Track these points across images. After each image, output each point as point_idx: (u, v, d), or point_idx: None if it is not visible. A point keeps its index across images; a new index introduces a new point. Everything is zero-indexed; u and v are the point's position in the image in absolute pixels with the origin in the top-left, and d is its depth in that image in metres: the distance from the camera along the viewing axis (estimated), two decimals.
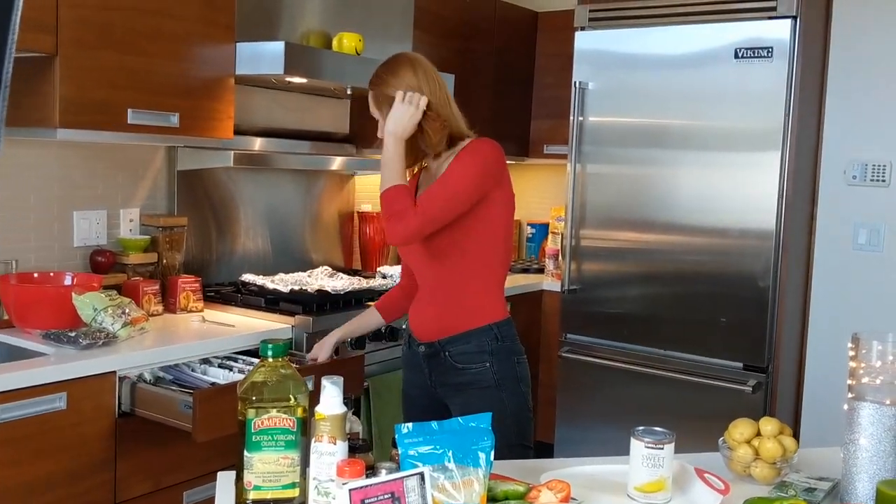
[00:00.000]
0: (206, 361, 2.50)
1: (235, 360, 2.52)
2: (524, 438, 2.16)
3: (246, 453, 1.37)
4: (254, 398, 1.37)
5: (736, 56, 3.33)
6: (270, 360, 1.41)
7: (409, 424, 1.41)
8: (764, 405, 3.38)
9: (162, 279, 2.91)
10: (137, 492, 2.33)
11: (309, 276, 3.20)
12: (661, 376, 3.54)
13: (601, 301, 3.71)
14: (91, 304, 2.41)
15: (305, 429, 1.41)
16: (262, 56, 2.77)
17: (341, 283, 3.09)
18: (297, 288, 2.88)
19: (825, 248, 3.62)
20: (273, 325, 2.74)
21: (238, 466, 1.39)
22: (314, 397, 1.40)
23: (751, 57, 3.30)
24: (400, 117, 2.06)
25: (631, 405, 3.64)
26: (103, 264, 2.81)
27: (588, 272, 3.75)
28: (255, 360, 2.51)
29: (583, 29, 3.72)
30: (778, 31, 3.25)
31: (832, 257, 3.61)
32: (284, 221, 3.52)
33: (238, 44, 2.81)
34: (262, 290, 2.94)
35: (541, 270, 4.25)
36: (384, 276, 3.33)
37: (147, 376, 2.33)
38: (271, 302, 2.88)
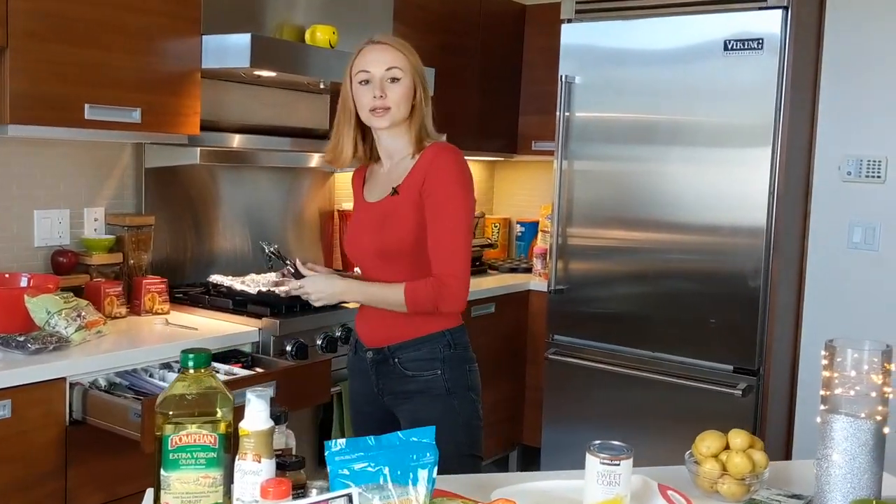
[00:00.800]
0: (166, 366, 2.40)
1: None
2: (475, 448, 2.07)
3: (163, 472, 1.27)
4: (171, 413, 1.27)
5: (725, 48, 3.22)
6: (192, 371, 1.31)
7: (342, 440, 1.31)
8: (755, 409, 3.27)
9: (128, 280, 2.82)
10: (90, 502, 2.23)
11: (282, 276, 3.10)
12: (650, 379, 3.43)
13: (588, 301, 3.61)
14: (44, 307, 2.32)
15: (230, 445, 1.31)
16: (227, 49, 2.67)
17: None
18: (264, 289, 2.78)
19: (819, 246, 3.51)
20: (238, 327, 2.65)
21: (155, 486, 1.29)
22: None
23: (740, 49, 3.19)
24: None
25: (619, 408, 3.54)
26: (65, 265, 2.71)
27: (575, 272, 3.65)
28: (218, 365, 2.44)
29: (569, 21, 3.61)
30: (768, 22, 3.14)
31: (826, 256, 3.49)
32: (263, 220, 3.42)
33: (204, 36, 2.71)
34: (230, 292, 2.85)
35: (529, 270, 4.14)
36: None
37: (101, 382, 2.23)
38: (239, 304, 2.78)
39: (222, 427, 1.30)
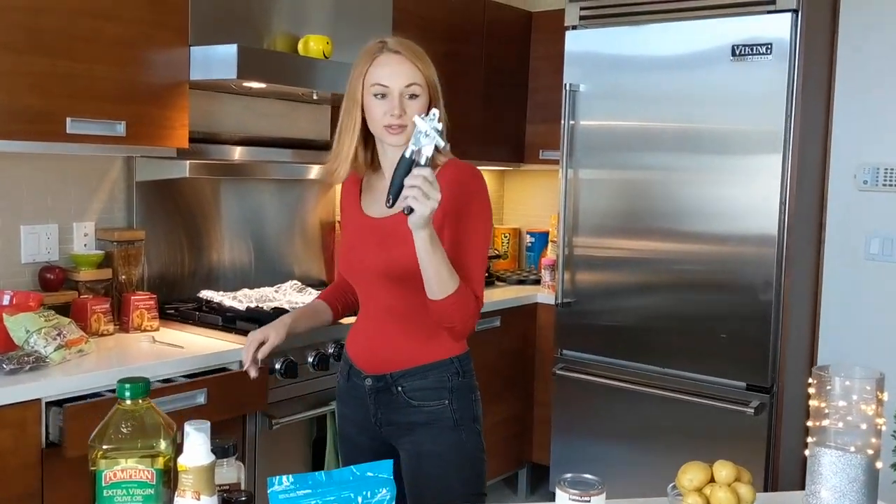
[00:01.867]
0: None
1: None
2: (481, 485, 1.94)
3: None
4: (104, 447, 1.20)
5: (733, 54, 3.11)
6: (128, 401, 1.24)
7: (289, 476, 1.23)
8: (768, 429, 3.15)
9: (118, 296, 2.77)
10: None
11: (276, 291, 3.04)
12: (660, 395, 3.33)
13: (596, 314, 3.51)
14: (23, 326, 2.27)
15: (170, 480, 1.23)
16: (214, 60, 2.61)
17: (309, 298, 2.92)
18: (253, 305, 2.72)
19: (835, 258, 3.38)
20: (227, 345, 2.57)
21: None
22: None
23: (749, 55, 3.08)
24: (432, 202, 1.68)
25: (629, 425, 3.43)
26: (53, 281, 2.66)
27: (583, 284, 3.55)
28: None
29: (574, 28, 3.53)
30: (777, 27, 3.03)
31: (842, 268, 3.36)
32: (262, 233, 3.36)
33: (192, 48, 2.65)
34: (220, 308, 2.78)
35: (538, 282, 4.05)
36: None
37: None
38: (229, 320, 2.71)
39: (161, 462, 1.22)
